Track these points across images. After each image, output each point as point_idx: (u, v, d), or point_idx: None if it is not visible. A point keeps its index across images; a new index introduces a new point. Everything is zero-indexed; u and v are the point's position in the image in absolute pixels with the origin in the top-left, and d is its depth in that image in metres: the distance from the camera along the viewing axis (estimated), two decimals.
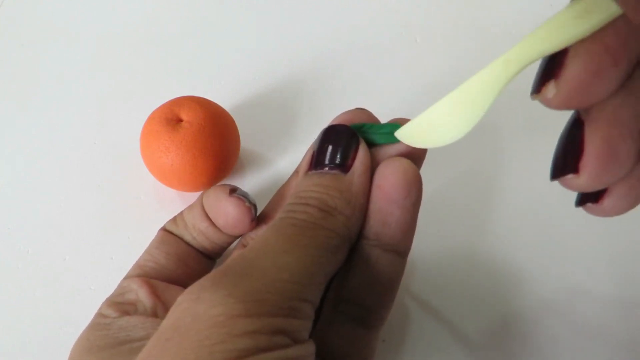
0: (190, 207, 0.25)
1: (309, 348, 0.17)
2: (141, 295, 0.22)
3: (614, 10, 0.14)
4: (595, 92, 0.14)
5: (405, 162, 0.19)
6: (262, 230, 0.24)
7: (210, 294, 0.16)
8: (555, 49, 0.15)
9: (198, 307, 0.16)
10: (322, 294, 0.18)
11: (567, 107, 0.15)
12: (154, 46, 0.42)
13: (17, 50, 0.42)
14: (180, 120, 0.31)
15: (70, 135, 0.37)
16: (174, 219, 0.25)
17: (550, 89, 0.15)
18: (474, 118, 0.17)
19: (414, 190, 0.19)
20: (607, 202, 0.16)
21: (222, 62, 0.40)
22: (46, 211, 0.34)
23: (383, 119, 0.22)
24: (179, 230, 0.25)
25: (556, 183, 0.16)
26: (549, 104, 0.15)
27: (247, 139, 0.35)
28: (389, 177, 0.19)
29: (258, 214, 0.24)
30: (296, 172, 0.23)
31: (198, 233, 0.24)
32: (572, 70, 0.14)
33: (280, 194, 0.24)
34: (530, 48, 0.15)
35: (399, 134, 0.20)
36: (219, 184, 0.25)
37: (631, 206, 0.16)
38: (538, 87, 0.15)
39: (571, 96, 0.14)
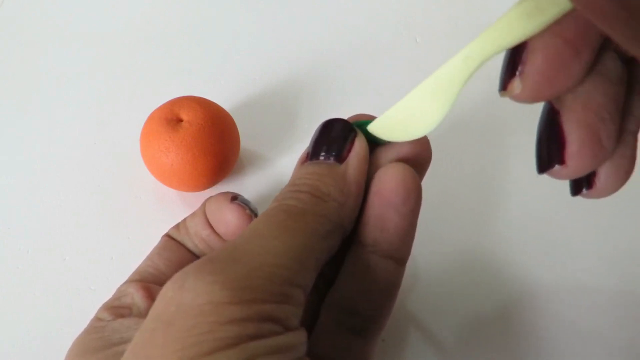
0: (193, 215, 0.25)
1: (301, 336, 0.16)
2: (137, 298, 0.22)
3: (565, 5, 0.14)
4: (561, 83, 0.14)
5: (404, 168, 0.19)
6: None
7: (194, 282, 0.15)
8: (511, 44, 0.15)
9: (183, 295, 0.15)
10: (314, 281, 0.18)
11: (536, 100, 0.15)
12: (154, 46, 0.42)
13: (17, 50, 0.42)
14: (180, 120, 0.31)
15: (70, 135, 0.37)
16: (177, 226, 0.25)
17: (517, 85, 0.15)
18: (440, 113, 0.17)
19: (413, 196, 0.19)
20: (599, 184, 0.17)
21: (222, 62, 0.40)
22: (46, 211, 0.34)
23: None
24: (181, 236, 0.25)
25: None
26: (517, 99, 0.15)
27: (247, 139, 0.35)
28: (387, 182, 0.19)
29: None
30: None
31: (200, 240, 0.24)
32: (533, 65, 0.14)
33: None
34: (487, 44, 0.15)
35: (372, 127, 0.20)
36: (221, 192, 0.25)
37: (623, 182, 0.17)
38: (504, 84, 0.15)
39: (538, 89, 0.15)
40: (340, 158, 0.19)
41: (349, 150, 0.20)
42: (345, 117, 0.21)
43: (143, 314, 0.21)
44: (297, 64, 0.40)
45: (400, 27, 0.42)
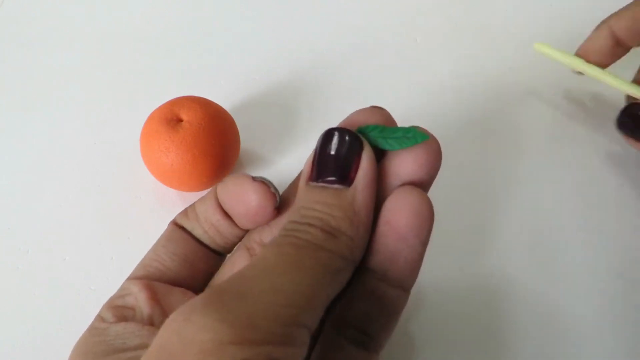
0: (202, 199, 0.23)
1: None
2: (140, 300, 0.21)
3: None
4: None
5: (418, 197, 0.18)
6: (266, 239, 0.23)
7: (200, 317, 0.15)
8: None
9: (187, 329, 0.15)
10: (322, 315, 0.18)
11: None
12: (154, 46, 0.42)
13: (17, 50, 0.42)
14: (180, 120, 0.31)
15: (70, 135, 0.37)
16: (185, 211, 0.24)
17: None
18: None
19: (426, 226, 0.18)
20: None
21: (222, 62, 0.40)
22: (46, 211, 0.34)
23: None
24: (189, 223, 0.23)
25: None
26: None
27: (247, 139, 0.35)
28: (400, 214, 0.18)
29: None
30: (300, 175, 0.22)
31: (209, 226, 0.23)
32: None
33: (285, 199, 0.23)
34: None
35: None
36: (239, 173, 0.24)
37: None
38: None
39: None
40: (347, 180, 0.19)
41: (357, 169, 0.19)
42: (345, 117, 0.21)
43: (145, 320, 0.21)
44: (297, 64, 0.40)
45: (400, 27, 0.42)
